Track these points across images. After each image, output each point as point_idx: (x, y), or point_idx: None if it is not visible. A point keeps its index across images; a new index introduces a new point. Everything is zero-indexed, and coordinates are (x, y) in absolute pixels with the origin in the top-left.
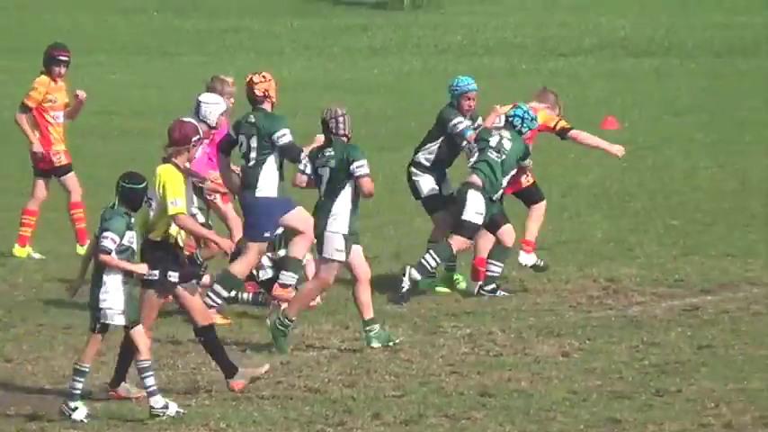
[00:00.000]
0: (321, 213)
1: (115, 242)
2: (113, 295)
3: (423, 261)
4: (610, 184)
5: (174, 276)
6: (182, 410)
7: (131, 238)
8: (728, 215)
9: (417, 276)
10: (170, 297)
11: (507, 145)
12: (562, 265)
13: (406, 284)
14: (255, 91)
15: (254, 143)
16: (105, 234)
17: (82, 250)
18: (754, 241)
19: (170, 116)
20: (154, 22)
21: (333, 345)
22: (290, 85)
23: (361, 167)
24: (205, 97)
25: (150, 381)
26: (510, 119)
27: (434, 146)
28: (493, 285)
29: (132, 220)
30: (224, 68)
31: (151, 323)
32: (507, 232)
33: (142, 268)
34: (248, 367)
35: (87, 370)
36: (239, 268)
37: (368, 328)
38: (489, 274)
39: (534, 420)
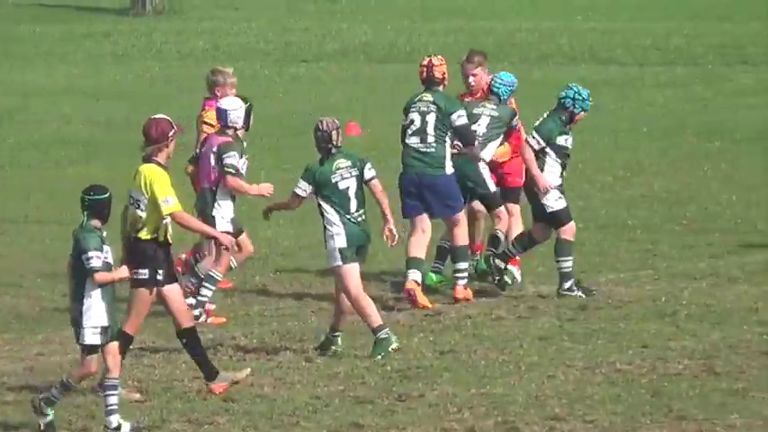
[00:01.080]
0: (363, 222)
1: (100, 258)
2: (97, 313)
3: (506, 250)
4: None
5: (161, 274)
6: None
7: (107, 253)
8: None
9: (501, 264)
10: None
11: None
12: (303, 270)
13: (497, 275)
14: (435, 72)
15: (431, 120)
16: (89, 255)
17: None
18: None
19: None
20: None
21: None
22: (33, 91)
23: (371, 169)
24: (227, 104)
25: (113, 399)
26: (562, 100)
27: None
28: (570, 282)
29: (104, 234)
30: None
31: (140, 322)
32: (568, 228)
33: (123, 271)
34: (229, 371)
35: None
36: (461, 240)
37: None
38: (564, 271)
39: (277, 425)
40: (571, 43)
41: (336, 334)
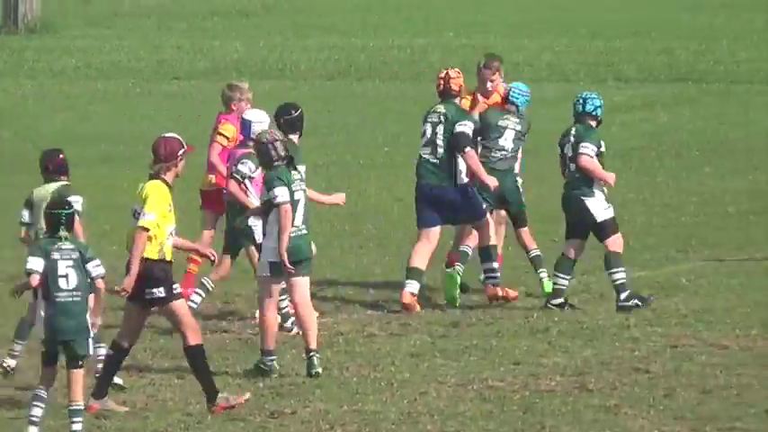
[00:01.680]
0: (305, 236)
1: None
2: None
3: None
4: None
5: (160, 292)
6: None
7: None
8: (343, 238)
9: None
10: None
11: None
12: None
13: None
14: (452, 84)
15: (440, 131)
16: (98, 262)
17: None
18: (369, 264)
19: None
20: None
21: None
22: None
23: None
24: (252, 115)
25: (78, 426)
26: (593, 112)
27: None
28: (627, 292)
29: None
30: None
31: (198, 328)
32: (614, 239)
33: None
34: (230, 393)
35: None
36: (488, 240)
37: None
38: (618, 283)
39: None
40: (443, 60)
41: (311, 354)
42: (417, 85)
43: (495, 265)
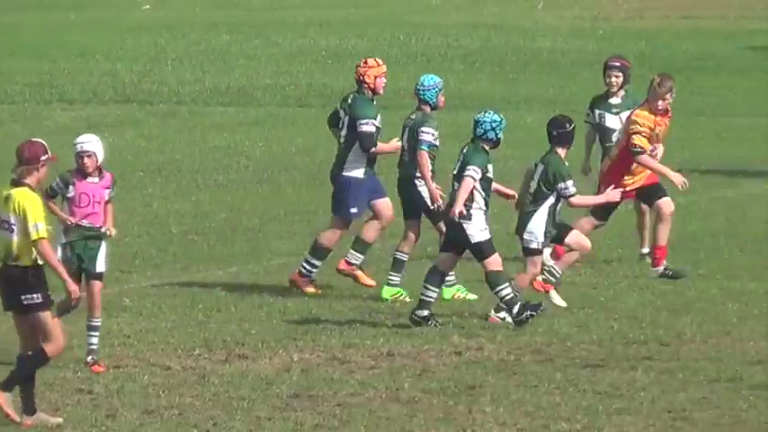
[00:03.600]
0: None
1: None
2: None
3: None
4: None
5: (37, 297)
6: None
7: None
8: None
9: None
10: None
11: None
12: None
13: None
14: (356, 74)
15: (346, 122)
16: None
17: None
18: None
19: None
20: None
21: None
22: None
23: None
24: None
25: None
26: (485, 134)
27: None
28: (518, 305)
29: None
30: None
31: (62, 342)
32: (493, 260)
33: None
34: (46, 412)
35: None
36: (326, 240)
37: None
38: (506, 299)
39: None
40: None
41: None
42: None
43: (319, 264)
